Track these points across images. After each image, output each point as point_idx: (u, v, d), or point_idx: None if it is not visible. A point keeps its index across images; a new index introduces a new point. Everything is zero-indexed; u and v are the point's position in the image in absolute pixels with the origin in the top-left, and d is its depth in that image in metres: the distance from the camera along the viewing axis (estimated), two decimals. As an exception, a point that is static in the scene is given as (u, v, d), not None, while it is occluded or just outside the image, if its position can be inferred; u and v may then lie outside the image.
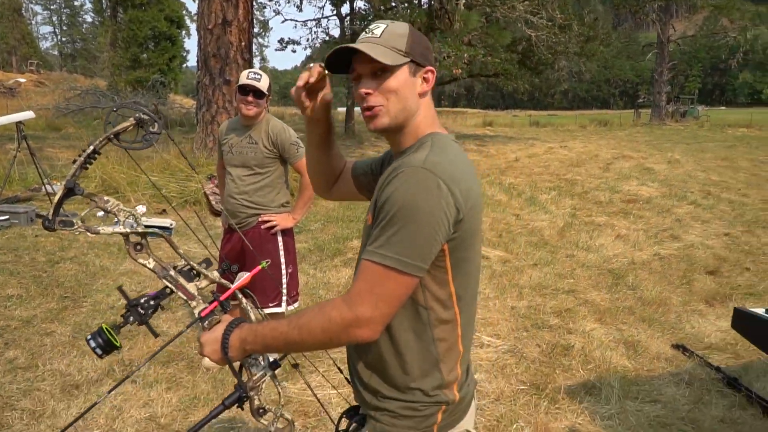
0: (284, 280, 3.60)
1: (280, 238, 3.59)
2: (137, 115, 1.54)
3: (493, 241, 7.13)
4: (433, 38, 16.09)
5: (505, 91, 28.74)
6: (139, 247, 1.50)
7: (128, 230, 1.48)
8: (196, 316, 1.45)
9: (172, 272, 1.48)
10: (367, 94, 1.35)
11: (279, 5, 59.27)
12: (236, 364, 1.37)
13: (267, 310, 3.59)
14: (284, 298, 3.63)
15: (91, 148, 1.49)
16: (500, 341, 4.19)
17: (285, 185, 3.64)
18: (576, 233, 7.63)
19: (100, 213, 7.81)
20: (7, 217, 7.33)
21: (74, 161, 1.49)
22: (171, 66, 38.59)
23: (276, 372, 1.44)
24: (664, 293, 5.35)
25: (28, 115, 8.13)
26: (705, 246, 7.04)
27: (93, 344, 1.38)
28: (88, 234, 1.46)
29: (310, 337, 1.25)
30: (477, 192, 1.34)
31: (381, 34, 1.34)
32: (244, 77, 3.38)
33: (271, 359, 1.45)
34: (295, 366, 1.60)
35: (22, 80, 40.76)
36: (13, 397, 3.43)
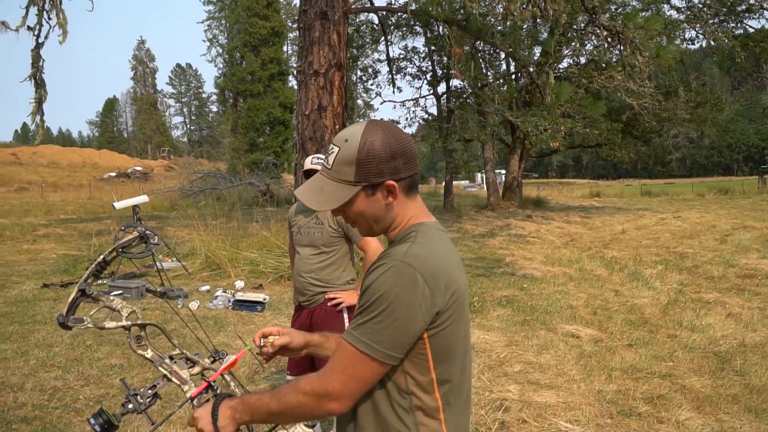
0: (350, 357, 3.62)
1: (345, 315, 3.63)
2: (139, 229, 1.72)
3: (586, 318, 6.78)
4: (527, 112, 16.13)
5: (614, 161, 27.93)
6: (139, 339, 1.64)
7: (129, 323, 1.62)
8: (188, 397, 1.52)
9: (167, 360, 1.61)
10: (338, 216, 1.51)
11: (380, 88, 62.22)
12: None
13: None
14: (350, 374, 3.63)
15: (101, 257, 1.69)
16: (580, 428, 3.91)
17: (350, 263, 3.71)
18: (681, 311, 7.10)
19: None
20: (120, 291, 7.92)
21: (87, 268, 1.67)
22: (284, 148, 41.00)
23: None
24: (778, 380, 4.81)
25: (143, 199, 8.91)
26: (833, 327, 6.30)
27: (93, 422, 1.47)
28: (97, 328, 1.60)
29: (286, 408, 1.34)
30: (460, 281, 1.38)
31: (332, 163, 1.40)
32: (309, 162, 3.55)
33: None
34: None
35: (139, 168, 44.90)
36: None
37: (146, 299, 7.88)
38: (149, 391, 1.57)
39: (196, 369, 1.64)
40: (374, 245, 3.57)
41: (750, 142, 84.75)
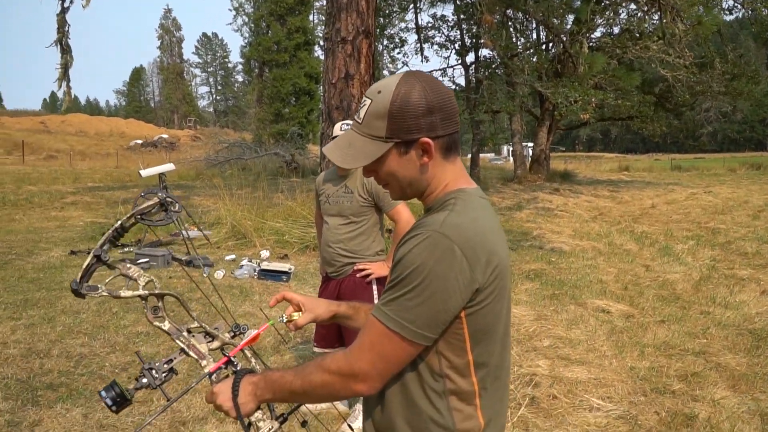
0: (378, 329, 3.55)
1: (374, 287, 3.55)
2: (160, 194, 1.63)
3: (617, 294, 6.63)
4: (558, 83, 15.72)
5: (645, 134, 27.31)
6: (155, 309, 1.54)
7: (146, 293, 1.53)
8: (206, 372, 1.46)
9: (185, 333, 1.52)
10: (368, 177, 1.36)
11: (407, 57, 61.37)
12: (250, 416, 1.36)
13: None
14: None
15: (119, 223, 1.58)
16: (612, 405, 3.82)
17: (380, 233, 3.62)
18: (714, 288, 6.92)
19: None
20: (147, 259, 7.96)
21: (103, 233, 1.58)
22: (309, 119, 40.82)
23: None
24: (818, 359, 4.65)
25: (169, 167, 8.81)
26: None
27: (104, 394, 1.40)
28: (111, 296, 1.52)
29: (311, 388, 1.26)
30: (502, 254, 1.25)
31: (363, 117, 1.27)
32: (338, 129, 3.44)
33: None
34: (303, 424, 1.56)
35: (165, 136, 45.18)
36: (126, 430, 3.61)
37: (172, 267, 7.91)
38: (165, 365, 1.47)
39: (216, 343, 1.54)
40: (405, 215, 3.47)
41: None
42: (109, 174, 24.51)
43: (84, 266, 1.51)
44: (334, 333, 3.58)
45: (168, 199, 1.65)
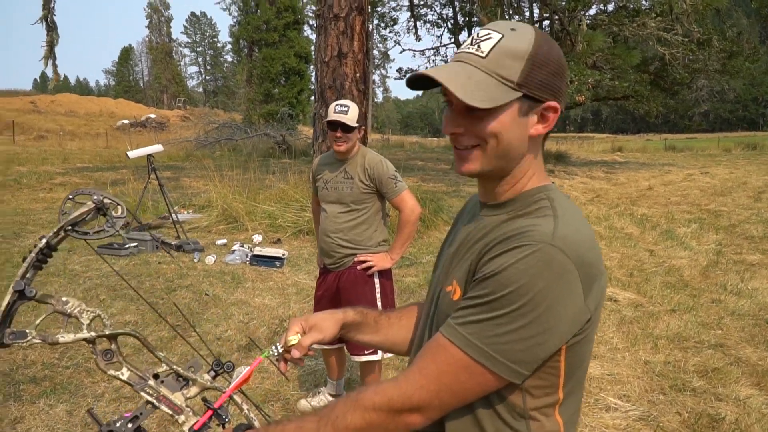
0: (381, 327, 3.29)
1: (377, 280, 3.29)
2: (95, 197, 1.28)
3: (623, 280, 6.40)
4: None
5: (637, 114, 27.07)
6: (108, 355, 1.20)
7: (93, 335, 1.20)
8: None
9: (151, 382, 1.19)
10: (456, 134, 1.02)
11: (399, 36, 60.69)
12: None
13: (363, 358, 3.32)
14: (381, 346, 3.32)
15: (44, 241, 1.22)
16: (631, 405, 3.58)
17: (383, 222, 3.35)
18: (723, 274, 6.70)
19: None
20: (136, 243, 7.67)
21: (24, 259, 1.21)
22: (299, 99, 40.36)
23: None
24: (839, 351, 4.44)
25: (157, 148, 8.55)
26: None
27: None
28: (47, 343, 1.19)
29: None
30: (605, 271, 0.99)
31: (489, 51, 0.97)
32: (331, 111, 3.15)
33: None
34: None
35: (153, 116, 44.60)
36: None
37: (161, 252, 7.62)
38: (129, 425, 1.15)
39: (194, 389, 1.21)
40: (410, 203, 3.19)
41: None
42: (98, 154, 24.03)
43: (3, 307, 1.15)
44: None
45: (105, 201, 1.30)
